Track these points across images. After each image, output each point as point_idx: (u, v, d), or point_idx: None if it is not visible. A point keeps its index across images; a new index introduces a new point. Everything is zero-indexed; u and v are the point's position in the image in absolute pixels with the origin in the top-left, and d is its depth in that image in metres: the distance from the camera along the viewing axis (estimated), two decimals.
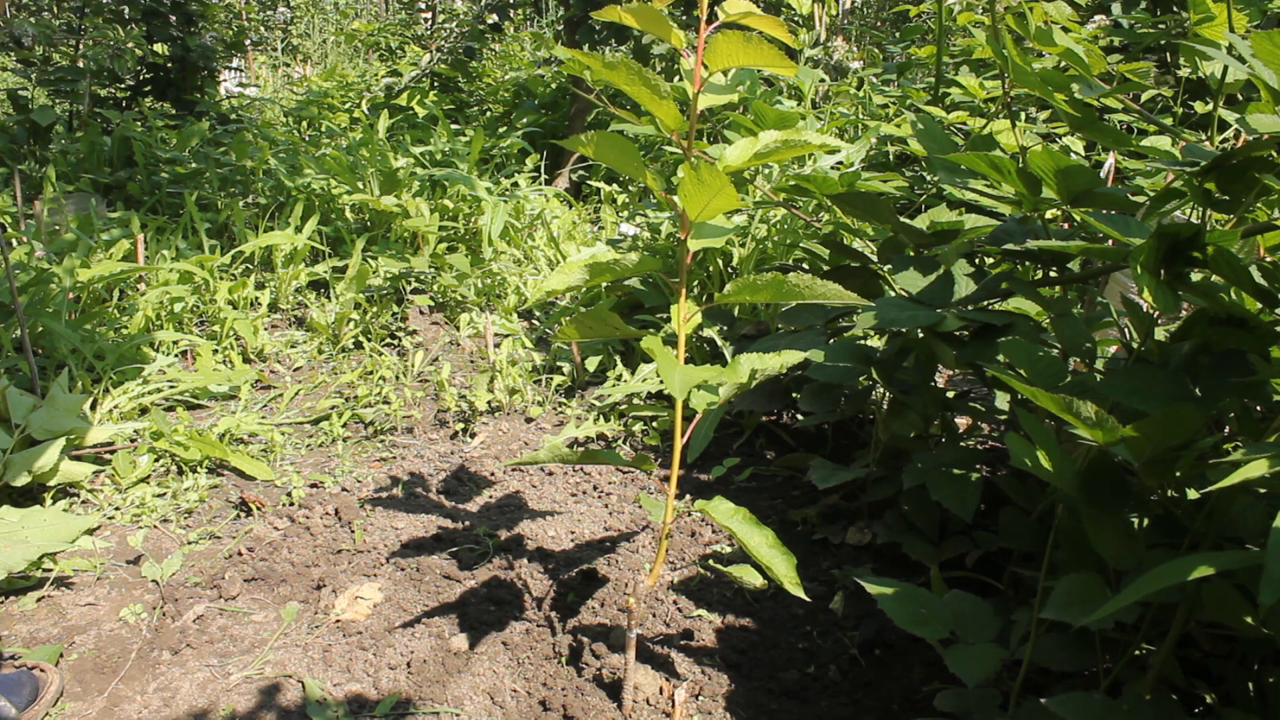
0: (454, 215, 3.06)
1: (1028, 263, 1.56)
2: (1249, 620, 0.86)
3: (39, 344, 2.06)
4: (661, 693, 1.19)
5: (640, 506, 1.67)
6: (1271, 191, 1.08)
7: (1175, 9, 2.73)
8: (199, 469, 1.76)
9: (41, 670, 1.19)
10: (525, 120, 4.22)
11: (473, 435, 1.97)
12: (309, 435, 1.95)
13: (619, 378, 2.10)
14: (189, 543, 1.54)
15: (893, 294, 1.45)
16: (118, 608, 1.37)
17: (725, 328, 2.03)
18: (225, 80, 5.80)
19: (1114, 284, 1.50)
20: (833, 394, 1.72)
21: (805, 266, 2.03)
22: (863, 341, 1.61)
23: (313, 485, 1.74)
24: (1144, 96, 2.53)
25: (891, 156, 2.86)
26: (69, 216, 2.70)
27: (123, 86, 4.03)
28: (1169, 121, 2.12)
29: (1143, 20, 2.39)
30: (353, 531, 1.58)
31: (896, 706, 1.17)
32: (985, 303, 1.33)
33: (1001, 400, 1.54)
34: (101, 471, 1.70)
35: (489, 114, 4.65)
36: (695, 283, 2.31)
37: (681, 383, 0.98)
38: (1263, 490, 0.96)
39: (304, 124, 4.43)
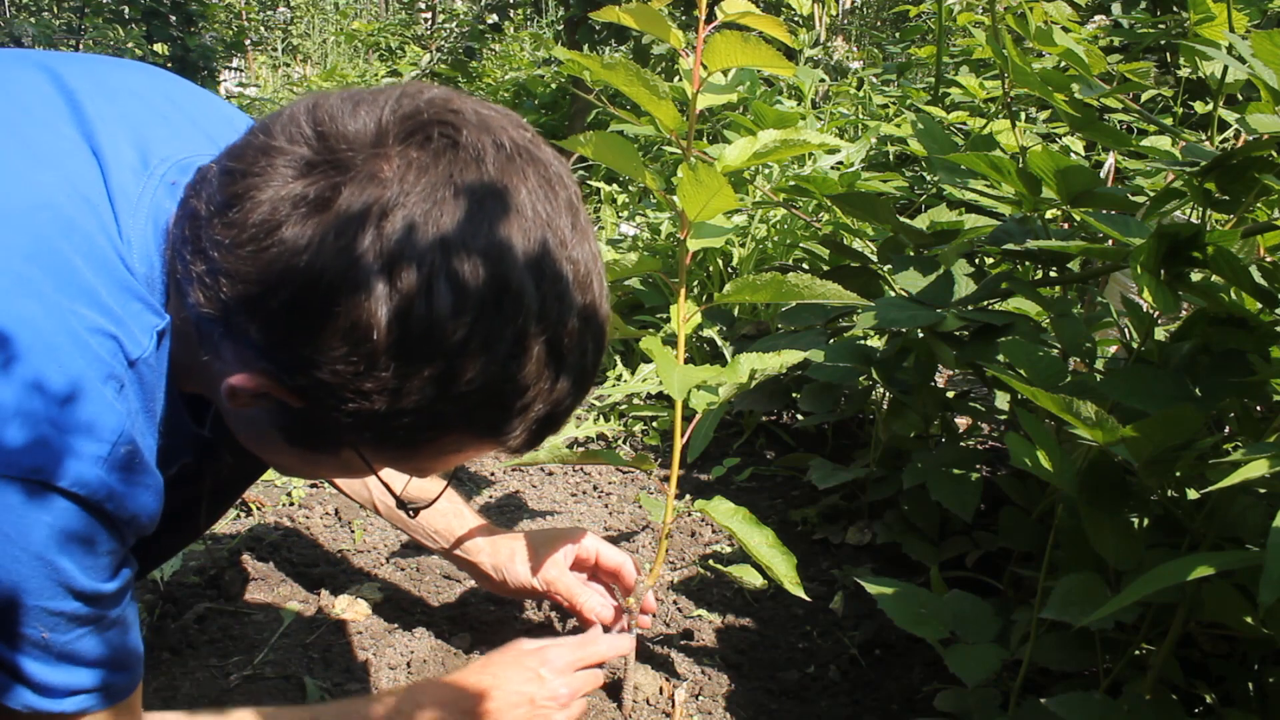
0: None
1: (1028, 263, 1.56)
2: (1249, 620, 0.86)
3: None
4: (661, 692, 1.19)
5: (640, 506, 1.67)
6: (1271, 191, 1.08)
7: (1175, 9, 2.73)
8: None
9: None
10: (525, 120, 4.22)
11: None
12: None
13: (619, 378, 2.10)
14: None
15: (893, 294, 1.45)
16: None
17: (725, 328, 2.03)
18: (225, 80, 5.80)
19: (1114, 284, 1.50)
20: (833, 394, 1.72)
21: (805, 266, 2.03)
22: (863, 341, 1.61)
23: (312, 485, 1.74)
24: (1144, 96, 2.53)
25: (891, 156, 2.86)
26: None
27: None
28: (1169, 121, 2.12)
29: (1143, 20, 2.39)
30: (353, 531, 1.58)
31: (896, 706, 1.17)
32: (985, 303, 1.33)
33: (1001, 400, 1.54)
34: None
35: None
36: (695, 283, 2.31)
37: (680, 383, 0.98)
38: (1263, 490, 0.96)
39: None
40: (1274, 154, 1.05)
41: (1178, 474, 0.97)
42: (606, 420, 1.99)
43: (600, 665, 1.09)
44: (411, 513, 0.92)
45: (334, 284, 0.59)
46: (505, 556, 1.18)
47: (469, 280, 0.60)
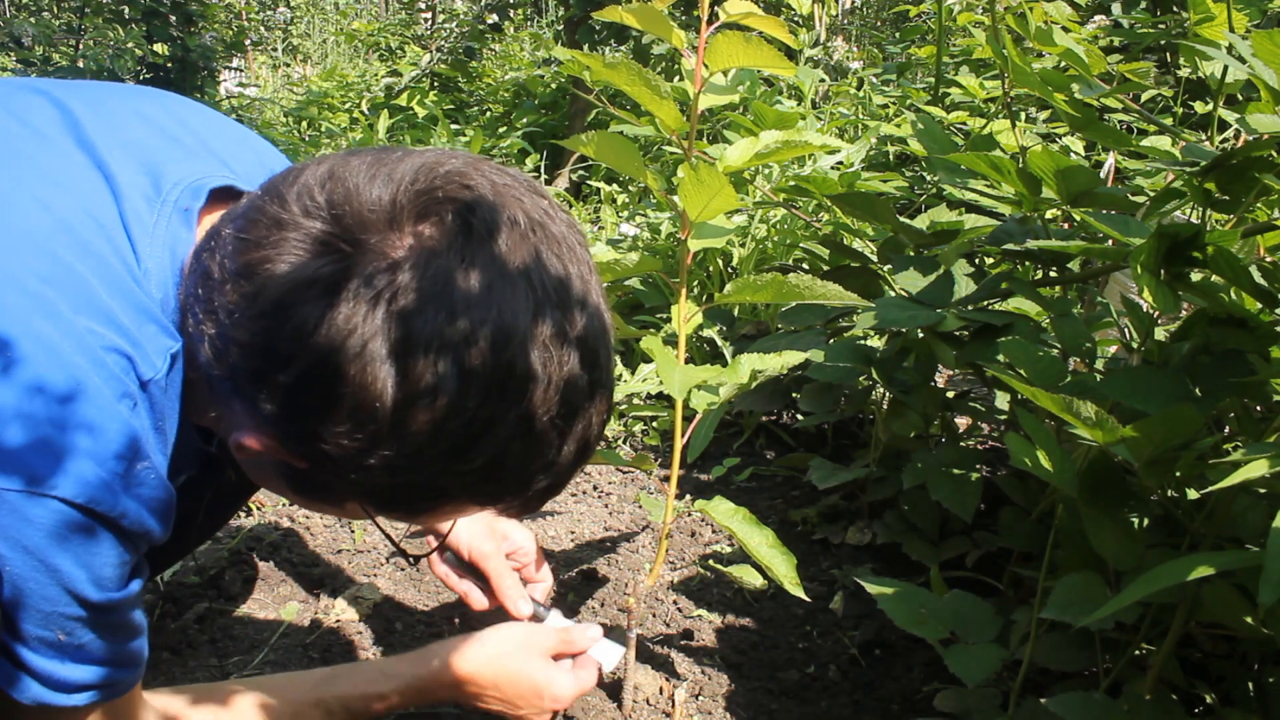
0: None
1: (1028, 263, 1.57)
2: (1249, 620, 0.86)
3: None
4: (661, 693, 1.19)
5: (640, 506, 1.67)
6: (1271, 191, 1.08)
7: (1175, 9, 2.73)
8: None
9: None
10: (525, 120, 4.22)
11: None
12: None
13: (619, 378, 2.10)
14: None
15: (893, 294, 1.45)
16: None
17: (725, 328, 2.03)
18: (225, 80, 5.80)
19: (1114, 284, 1.50)
20: (833, 394, 1.72)
21: (805, 266, 2.03)
22: (863, 341, 1.61)
23: None
24: (1144, 96, 2.53)
25: (891, 156, 2.86)
26: None
27: None
28: (1169, 121, 2.12)
29: (1143, 20, 2.39)
30: (353, 531, 1.58)
31: (896, 706, 1.17)
32: (985, 303, 1.33)
33: (1001, 400, 1.54)
34: None
35: (489, 114, 4.65)
36: (695, 283, 2.31)
37: (681, 383, 0.98)
38: (1263, 490, 0.96)
39: (304, 124, 4.43)
40: (1274, 154, 1.05)
41: (1178, 474, 0.97)
42: None
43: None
44: (411, 560, 0.94)
45: (341, 365, 0.60)
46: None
47: (475, 365, 0.61)
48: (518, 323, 0.62)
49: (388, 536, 0.86)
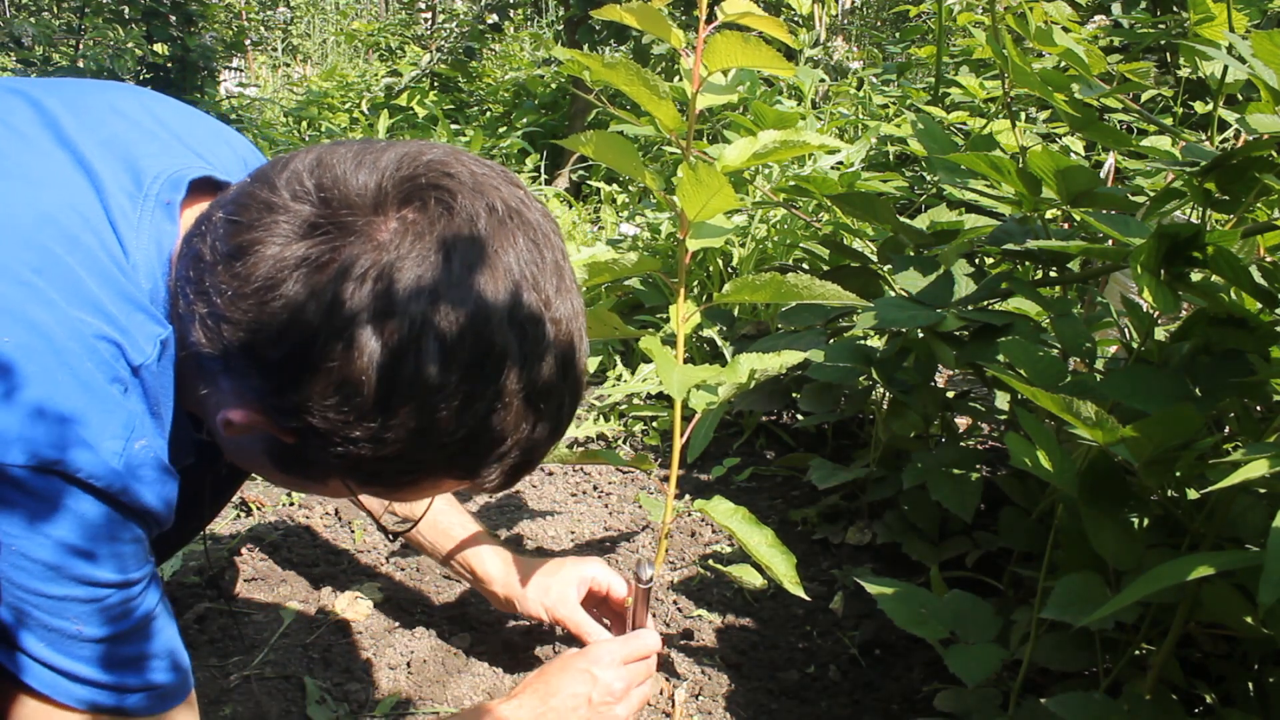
0: None
1: (1028, 263, 1.56)
2: (1249, 620, 0.86)
3: None
4: (661, 693, 1.19)
5: (640, 506, 1.67)
6: (1271, 191, 1.08)
7: (1175, 9, 2.73)
8: None
9: None
10: (525, 120, 4.22)
11: None
12: None
13: (619, 378, 2.10)
14: None
15: (893, 294, 1.45)
16: None
17: (725, 328, 2.03)
18: (225, 80, 5.80)
19: (1114, 284, 1.50)
20: (833, 394, 1.72)
21: (805, 266, 2.03)
22: (863, 341, 1.61)
23: None
24: (1144, 96, 2.53)
25: (891, 156, 2.86)
26: None
27: None
28: (1169, 121, 2.12)
29: (1143, 20, 2.39)
30: (353, 531, 1.58)
31: (896, 706, 1.17)
32: (985, 303, 1.33)
33: (1001, 400, 1.54)
34: None
35: (489, 114, 4.65)
36: (695, 283, 2.31)
37: (680, 383, 0.98)
38: (1263, 490, 0.96)
39: (304, 124, 4.43)
40: (1274, 154, 1.05)
41: (1178, 474, 0.97)
42: (606, 420, 1.99)
43: (648, 657, 1.09)
44: (392, 537, 0.96)
45: (329, 341, 0.64)
46: (517, 587, 1.20)
47: (455, 342, 0.65)
48: (496, 303, 0.66)
49: (369, 514, 0.87)
